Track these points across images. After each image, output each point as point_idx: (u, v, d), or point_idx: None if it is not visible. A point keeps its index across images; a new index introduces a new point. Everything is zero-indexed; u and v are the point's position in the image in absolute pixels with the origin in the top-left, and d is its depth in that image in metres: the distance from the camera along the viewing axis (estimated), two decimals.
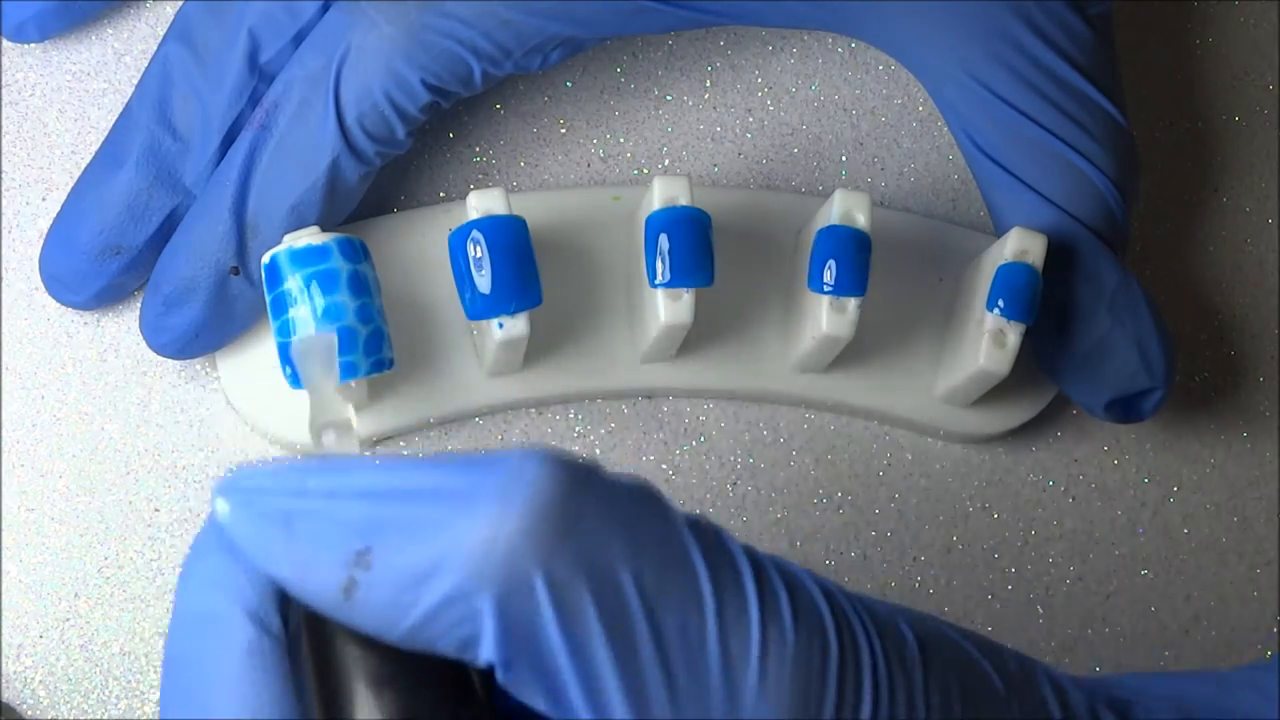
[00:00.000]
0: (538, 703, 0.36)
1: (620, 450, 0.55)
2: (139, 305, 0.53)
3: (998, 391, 0.54)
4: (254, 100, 0.52)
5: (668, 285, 0.50)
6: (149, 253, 0.52)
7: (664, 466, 0.55)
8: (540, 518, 0.35)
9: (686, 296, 0.50)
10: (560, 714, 0.36)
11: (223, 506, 0.37)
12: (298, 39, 0.52)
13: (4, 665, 0.53)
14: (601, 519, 0.36)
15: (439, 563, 0.35)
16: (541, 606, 0.35)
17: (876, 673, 0.37)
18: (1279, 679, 0.42)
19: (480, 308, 0.50)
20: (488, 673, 0.37)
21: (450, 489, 0.36)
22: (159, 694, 0.39)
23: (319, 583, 0.36)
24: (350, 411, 0.43)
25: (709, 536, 0.37)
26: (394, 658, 0.37)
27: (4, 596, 0.53)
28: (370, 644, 0.37)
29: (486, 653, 0.36)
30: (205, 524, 0.38)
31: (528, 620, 0.35)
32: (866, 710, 0.36)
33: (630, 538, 0.36)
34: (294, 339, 0.47)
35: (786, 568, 0.37)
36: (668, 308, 0.50)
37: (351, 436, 0.41)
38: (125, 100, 0.53)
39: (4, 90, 0.56)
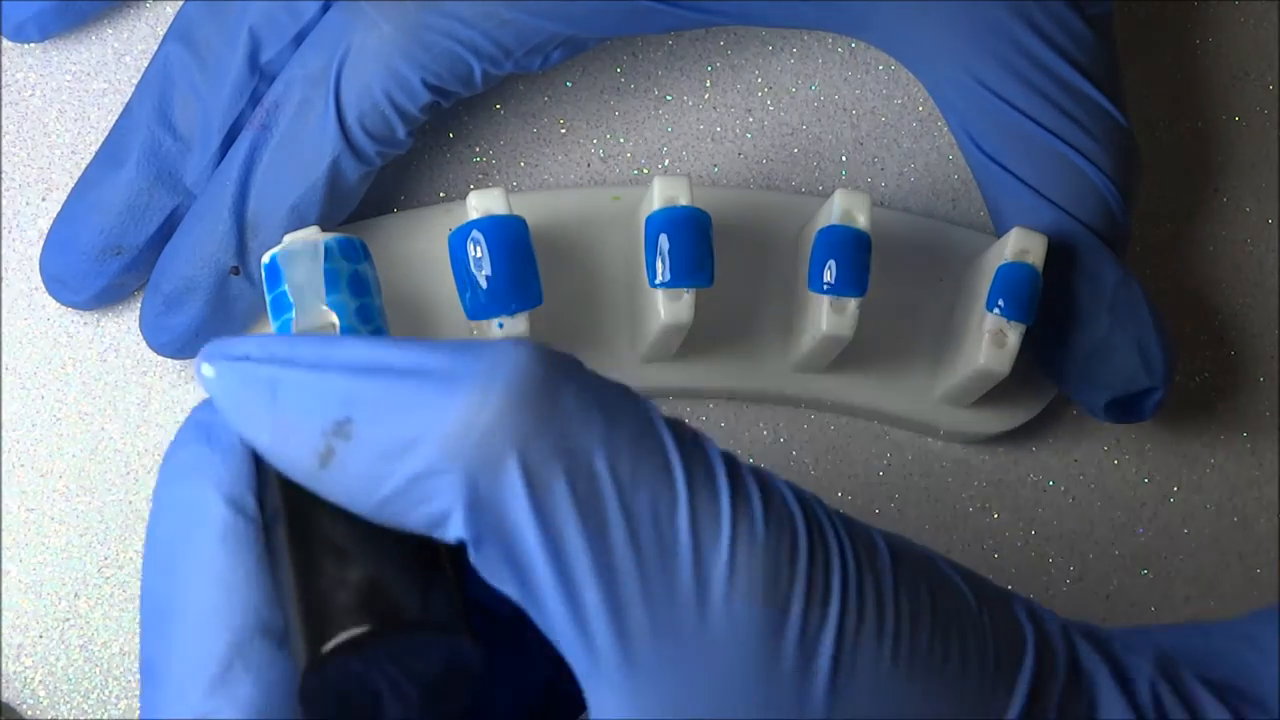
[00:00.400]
0: (506, 584, 0.37)
1: None
2: (139, 305, 0.53)
3: (998, 391, 0.54)
4: (254, 100, 0.52)
5: (668, 285, 0.50)
6: (149, 253, 0.53)
7: None
8: (520, 401, 0.36)
9: (686, 296, 0.50)
10: (527, 596, 0.36)
11: (208, 370, 0.38)
12: (298, 39, 0.52)
13: (4, 665, 0.53)
14: (580, 406, 0.37)
15: (417, 438, 0.36)
16: (514, 487, 0.36)
17: (846, 569, 0.37)
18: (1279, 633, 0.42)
19: (480, 308, 0.50)
20: (460, 556, 0.38)
21: (435, 369, 0.36)
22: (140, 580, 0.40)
23: (297, 449, 0.37)
24: (333, 317, 0.44)
25: (685, 434, 0.38)
26: (366, 533, 0.38)
27: (4, 596, 0.53)
28: (344, 518, 0.38)
29: (455, 529, 0.36)
30: (187, 418, 0.39)
31: (499, 500, 0.36)
32: (835, 604, 0.37)
33: (607, 426, 0.37)
34: (281, 245, 0.47)
35: (761, 472, 0.38)
36: (668, 308, 0.50)
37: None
38: (125, 100, 0.53)
39: (4, 90, 0.56)
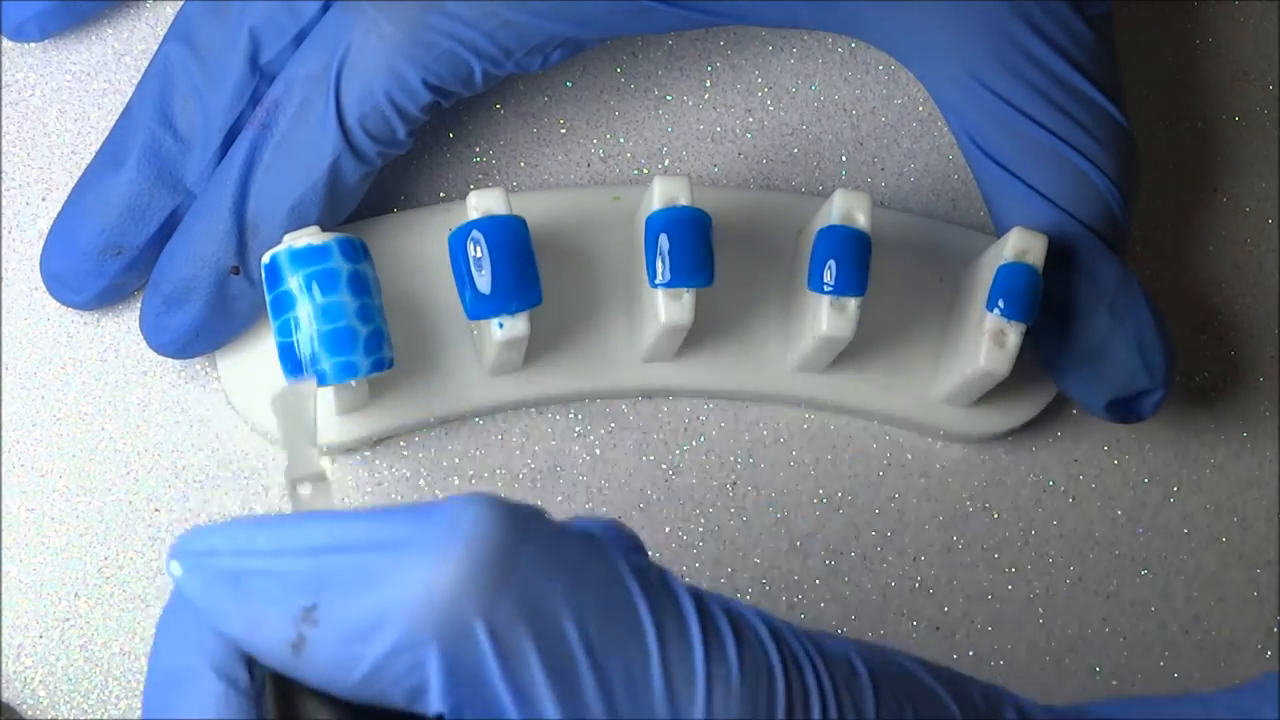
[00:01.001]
0: None
1: (620, 450, 0.55)
2: (139, 305, 0.53)
3: (998, 391, 0.54)
4: (255, 100, 0.52)
5: (668, 285, 0.50)
6: (150, 253, 0.52)
7: (664, 466, 0.55)
8: (478, 565, 0.36)
9: (686, 296, 0.50)
10: None
11: (176, 569, 0.38)
12: (299, 39, 0.52)
13: (4, 665, 0.53)
14: (541, 565, 0.36)
15: (383, 615, 0.36)
16: (485, 654, 0.36)
17: (826, 707, 0.37)
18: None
19: (480, 308, 0.50)
20: None
21: (391, 540, 0.36)
22: None
23: (269, 640, 0.37)
24: (326, 464, 0.44)
25: (653, 580, 0.37)
26: (350, 709, 0.38)
27: (4, 596, 0.53)
28: (327, 698, 0.38)
29: (435, 703, 0.36)
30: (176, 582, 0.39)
31: (472, 669, 0.36)
32: None
33: (571, 583, 0.36)
34: (274, 393, 0.47)
35: (733, 608, 0.38)
36: (668, 308, 0.50)
37: (327, 489, 0.42)
38: (125, 100, 0.53)
39: (4, 90, 0.56)
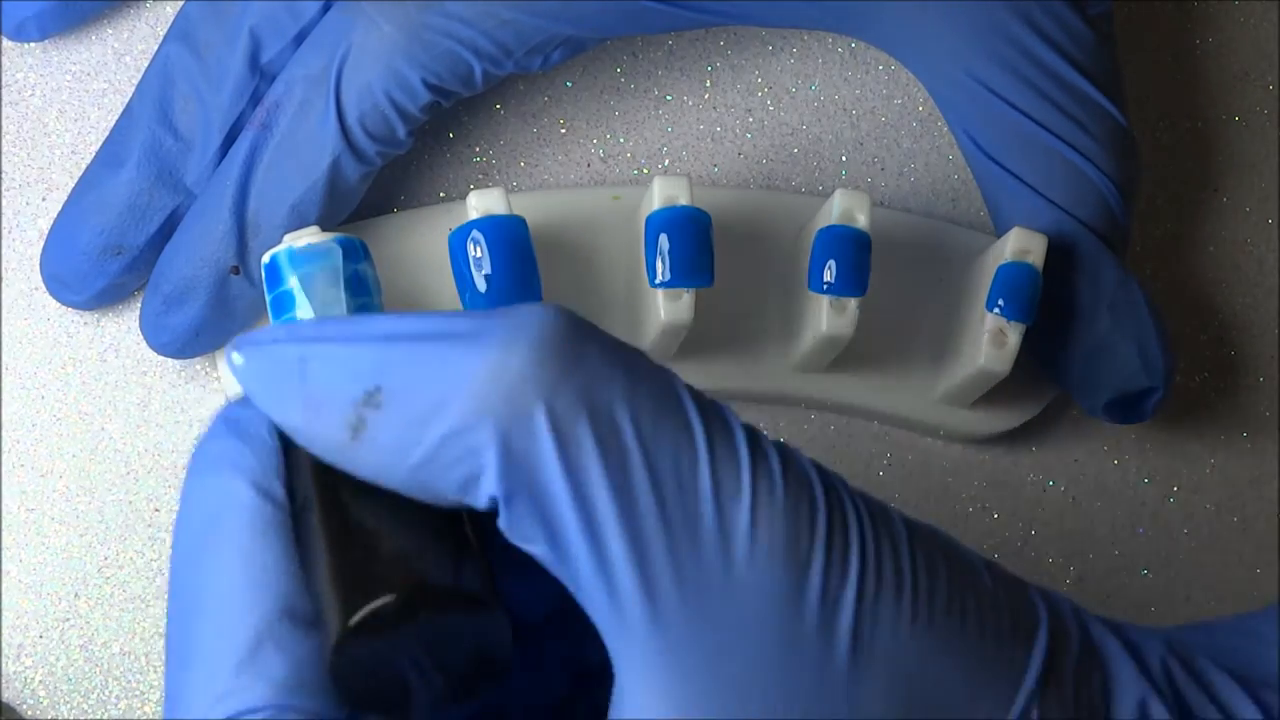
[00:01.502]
0: (536, 543, 0.37)
1: None
2: (139, 305, 0.53)
3: (998, 391, 0.54)
4: (255, 100, 0.52)
5: (668, 285, 0.50)
6: (150, 253, 0.52)
7: None
8: (544, 354, 0.36)
9: (686, 296, 0.50)
10: (556, 551, 0.37)
11: (238, 358, 0.39)
12: (299, 39, 0.52)
13: (4, 665, 0.53)
14: (603, 361, 0.37)
15: (445, 398, 0.36)
16: (542, 439, 0.36)
17: (863, 531, 0.38)
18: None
19: (480, 308, 0.50)
20: (489, 544, 0.38)
21: (461, 331, 0.37)
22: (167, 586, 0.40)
23: (328, 423, 0.37)
24: None
25: (704, 398, 0.38)
26: (397, 513, 0.38)
27: (4, 596, 0.53)
28: (375, 501, 0.38)
29: (488, 487, 0.36)
30: (215, 416, 0.40)
31: (528, 453, 0.36)
32: (854, 564, 0.37)
33: (629, 382, 0.37)
34: (281, 243, 0.48)
35: (779, 441, 0.39)
36: (668, 308, 0.50)
37: None
38: (125, 100, 0.53)
39: (4, 90, 0.56)
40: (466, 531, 0.39)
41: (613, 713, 0.37)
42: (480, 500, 0.37)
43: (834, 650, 0.37)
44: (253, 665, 0.38)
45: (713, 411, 0.38)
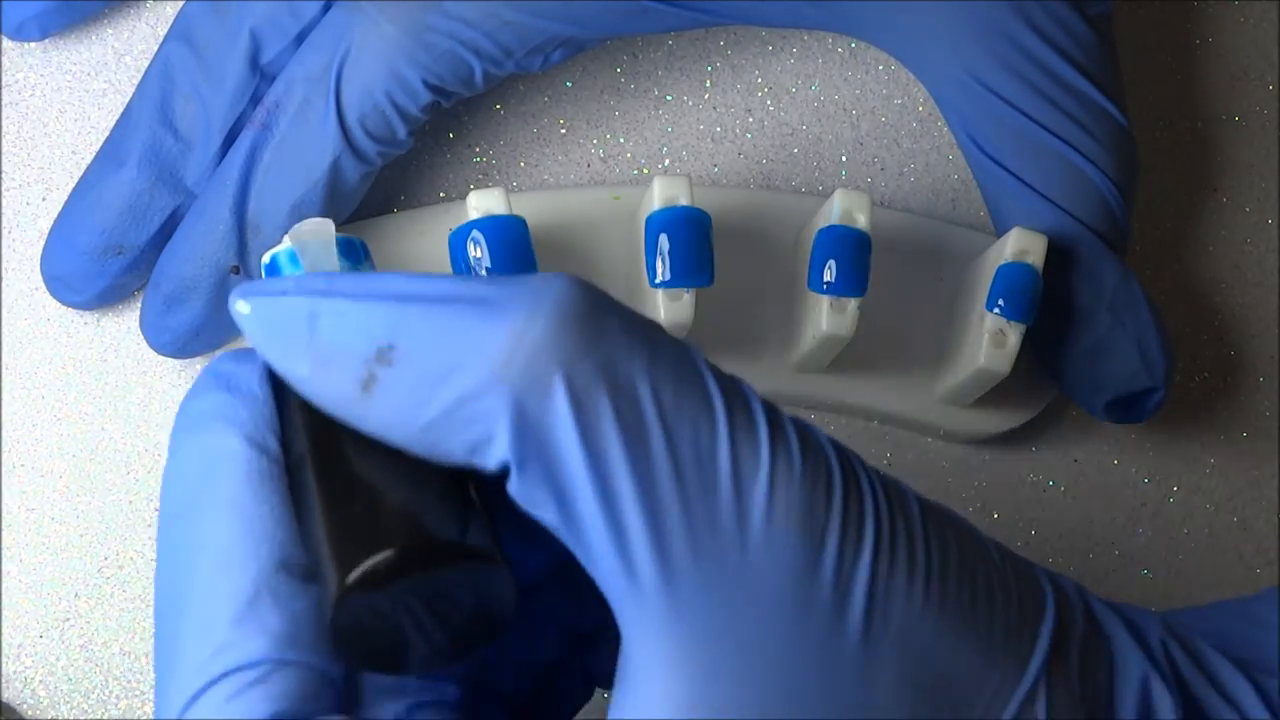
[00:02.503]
0: (547, 509, 0.37)
1: None
2: (139, 305, 0.53)
3: (998, 391, 0.54)
4: (255, 100, 0.52)
5: (668, 285, 0.50)
6: (150, 253, 0.52)
7: None
8: (566, 324, 0.36)
9: (686, 296, 0.50)
10: (567, 519, 0.37)
11: (243, 306, 0.38)
12: (299, 39, 0.52)
13: (4, 665, 0.53)
14: (625, 333, 0.37)
15: (462, 361, 0.36)
16: (560, 407, 0.36)
17: (879, 509, 0.38)
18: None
19: None
20: (490, 500, 0.38)
21: (480, 296, 0.37)
22: (154, 535, 0.40)
23: (338, 377, 0.37)
24: None
25: (724, 374, 0.38)
26: (397, 469, 0.38)
27: (4, 596, 0.53)
28: (373, 456, 0.38)
29: (500, 452, 0.36)
30: (203, 371, 0.39)
31: (544, 420, 0.36)
32: (868, 542, 0.37)
33: (650, 355, 0.37)
34: (281, 243, 0.48)
35: (797, 418, 0.39)
36: (668, 308, 0.50)
37: None
38: (125, 100, 0.53)
39: (4, 90, 0.56)
40: (470, 491, 0.38)
41: (618, 678, 0.37)
42: (489, 463, 0.37)
43: (847, 625, 0.37)
44: (250, 618, 0.37)
45: (733, 387, 0.38)
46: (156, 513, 0.54)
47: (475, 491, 0.39)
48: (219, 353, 0.53)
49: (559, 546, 0.38)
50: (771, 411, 0.38)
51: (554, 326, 0.36)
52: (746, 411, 0.38)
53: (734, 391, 0.38)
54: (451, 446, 0.37)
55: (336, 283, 0.38)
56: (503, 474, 0.37)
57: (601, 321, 0.37)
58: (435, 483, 0.38)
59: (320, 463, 0.38)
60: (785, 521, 0.37)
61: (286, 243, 0.49)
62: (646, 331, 0.38)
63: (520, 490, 0.37)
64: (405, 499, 0.37)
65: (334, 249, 0.45)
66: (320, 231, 0.45)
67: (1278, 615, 0.42)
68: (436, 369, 0.36)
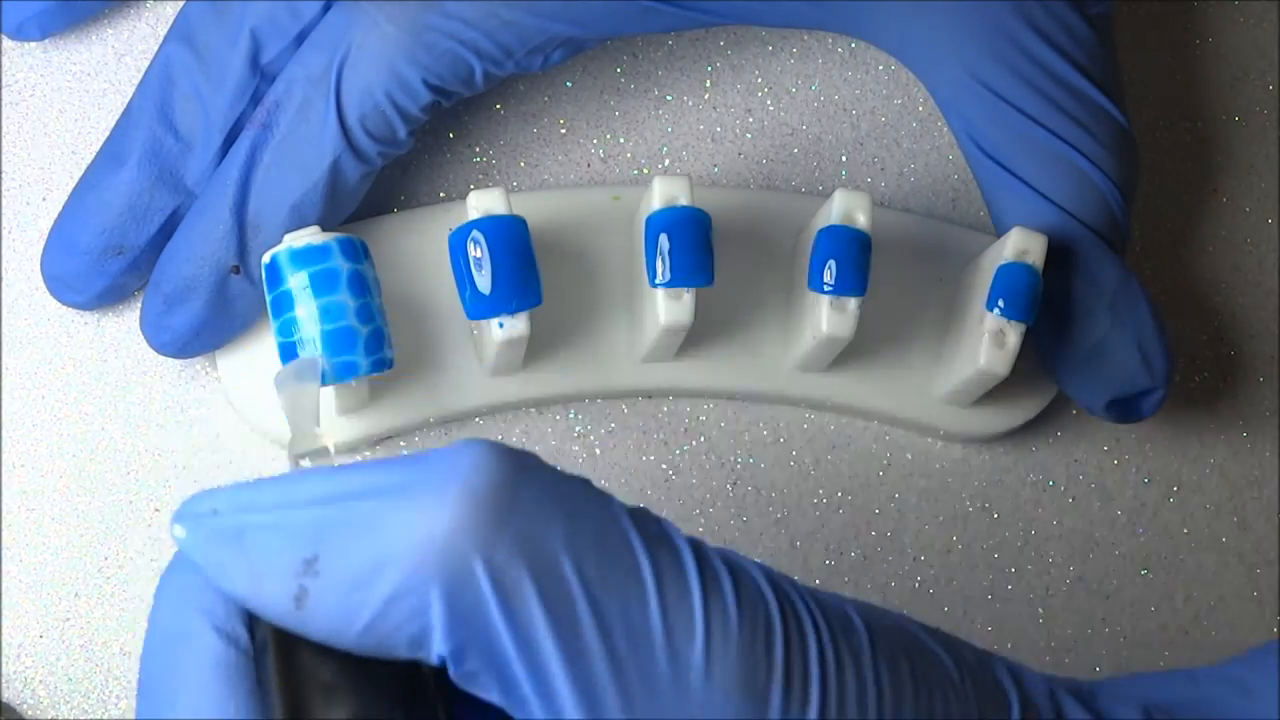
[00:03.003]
0: (490, 693, 0.37)
1: (620, 450, 0.55)
2: (139, 305, 0.53)
3: (998, 391, 0.54)
4: (255, 100, 0.52)
5: (668, 285, 0.50)
6: (151, 253, 0.52)
7: (664, 466, 0.55)
8: (476, 505, 0.36)
9: (686, 296, 0.50)
10: (512, 703, 0.36)
11: (179, 530, 0.38)
12: (299, 39, 0.52)
13: (4, 665, 0.53)
14: (538, 505, 0.36)
15: (383, 560, 0.36)
16: (485, 594, 0.36)
17: (823, 654, 0.37)
18: (1278, 675, 0.42)
19: (480, 308, 0.50)
20: (443, 679, 0.38)
21: (391, 486, 0.36)
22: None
23: (271, 594, 0.37)
24: (329, 440, 0.44)
25: (650, 524, 0.37)
26: (350, 665, 0.38)
27: (4, 596, 0.53)
28: (329, 651, 0.38)
29: (438, 646, 0.36)
30: (176, 551, 0.39)
31: (473, 609, 0.36)
32: (814, 691, 0.37)
33: (569, 524, 0.36)
34: (278, 371, 0.48)
35: (730, 555, 0.38)
36: (668, 308, 0.50)
37: (330, 463, 0.42)
38: (125, 100, 0.53)
39: (4, 90, 0.56)
40: (426, 679, 0.38)
41: None
42: (431, 657, 0.37)
43: None
44: None
45: (659, 541, 0.37)
46: (156, 513, 0.54)
47: (432, 676, 0.39)
48: (219, 353, 0.53)
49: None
50: (702, 561, 0.37)
51: (464, 508, 0.36)
52: (677, 570, 0.37)
53: (662, 549, 0.37)
54: (393, 645, 0.37)
55: (260, 494, 0.38)
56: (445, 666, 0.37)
57: (514, 493, 0.36)
58: (388, 680, 0.38)
59: (278, 664, 0.38)
60: (724, 685, 0.36)
61: (287, 242, 0.49)
62: (564, 496, 0.37)
63: (461, 678, 0.37)
64: (356, 707, 0.38)
65: (317, 391, 0.45)
66: (300, 374, 0.45)
67: (1272, 683, 0.42)
68: (359, 574, 0.36)
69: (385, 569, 0.36)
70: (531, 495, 0.36)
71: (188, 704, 0.38)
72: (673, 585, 0.36)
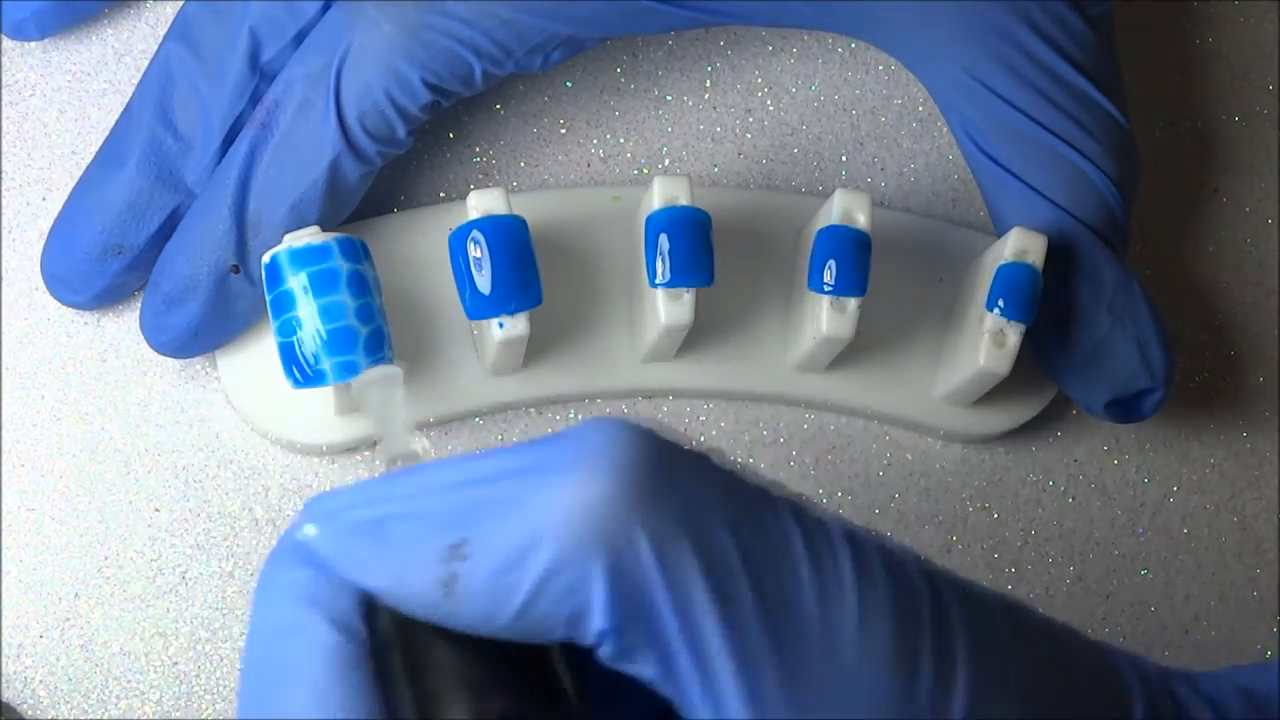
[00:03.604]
0: (648, 670, 0.36)
1: None
2: (139, 305, 0.53)
3: (998, 391, 0.54)
4: (255, 99, 0.52)
5: (668, 285, 0.50)
6: (150, 252, 0.52)
7: None
8: (636, 476, 0.35)
9: (686, 296, 0.50)
10: (669, 675, 0.36)
11: (310, 529, 0.37)
12: (299, 38, 0.52)
13: (4, 665, 0.53)
14: (694, 477, 0.36)
15: (536, 536, 0.35)
16: (648, 565, 0.35)
17: (970, 628, 0.37)
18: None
19: (480, 308, 0.50)
20: (579, 675, 0.37)
21: (533, 465, 0.36)
22: (237, 703, 0.38)
23: (417, 583, 0.36)
24: (422, 443, 0.43)
25: (791, 497, 0.37)
26: (485, 661, 0.37)
27: (4, 596, 0.53)
28: (461, 647, 0.37)
29: (598, 620, 0.35)
30: (278, 543, 0.38)
31: (637, 581, 0.35)
32: (962, 664, 0.36)
33: (725, 495, 0.36)
34: (359, 380, 0.47)
35: (881, 536, 0.38)
36: (668, 308, 0.50)
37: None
38: (125, 100, 0.53)
39: (4, 90, 0.56)
40: (556, 668, 0.37)
41: None
42: (588, 636, 0.36)
43: None
44: None
45: (807, 515, 0.37)
46: (156, 513, 0.54)
47: (563, 658, 0.38)
48: (219, 353, 0.53)
49: (652, 699, 0.37)
50: (853, 536, 0.37)
51: (622, 481, 0.35)
52: (825, 540, 0.36)
53: (812, 523, 0.37)
54: (549, 625, 0.36)
55: (394, 485, 0.37)
56: (598, 645, 0.36)
57: (670, 467, 0.36)
58: (522, 664, 0.37)
59: (407, 656, 0.37)
60: (877, 655, 0.36)
61: (287, 242, 0.49)
62: (710, 468, 0.36)
63: (620, 654, 0.36)
64: (489, 697, 0.36)
65: (399, 396, 0.44)
66: (387, 380, 0.44)
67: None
68: (513, 552, 0.35)
69: (538, 546, 0.35)
70: (686, 467, 0.36)
71: (299, 702, 0.36)
72: (825, 557, 0.36)
